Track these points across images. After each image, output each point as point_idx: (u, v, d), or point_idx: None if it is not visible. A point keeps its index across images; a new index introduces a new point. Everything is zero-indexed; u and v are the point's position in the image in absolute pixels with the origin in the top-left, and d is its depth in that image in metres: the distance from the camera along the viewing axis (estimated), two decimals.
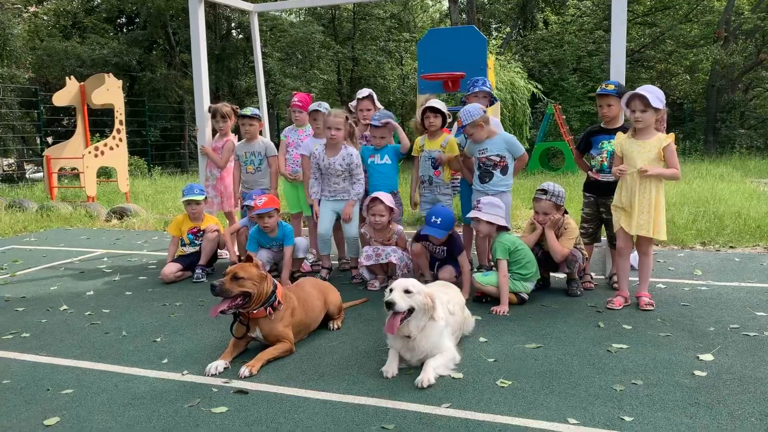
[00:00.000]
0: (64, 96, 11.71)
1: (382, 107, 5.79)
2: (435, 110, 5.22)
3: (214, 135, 6.54)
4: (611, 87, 4.75)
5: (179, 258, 5.73)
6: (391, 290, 3.30)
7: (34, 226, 9.17)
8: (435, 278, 4.86)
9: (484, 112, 4.93)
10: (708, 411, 2.78)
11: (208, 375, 3.34)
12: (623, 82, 5.02)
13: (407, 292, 3.27)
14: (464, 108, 4.96)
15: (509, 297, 4.44)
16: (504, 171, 5.04)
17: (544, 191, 4.67)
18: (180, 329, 4.17)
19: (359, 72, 27.00)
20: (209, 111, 6.41)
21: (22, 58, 20.93)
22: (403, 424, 2.74)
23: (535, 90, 16.23)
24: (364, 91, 5.78)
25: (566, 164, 18.18)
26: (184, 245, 5.83)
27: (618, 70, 5.08)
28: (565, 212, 4.77)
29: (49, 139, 17.50)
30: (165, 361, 3.59)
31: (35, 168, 21.42)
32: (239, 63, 27.92)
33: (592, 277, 5.04)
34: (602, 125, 4.93)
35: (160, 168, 17.98)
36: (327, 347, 3.76)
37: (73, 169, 12.43)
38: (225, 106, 6.31)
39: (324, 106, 5.61)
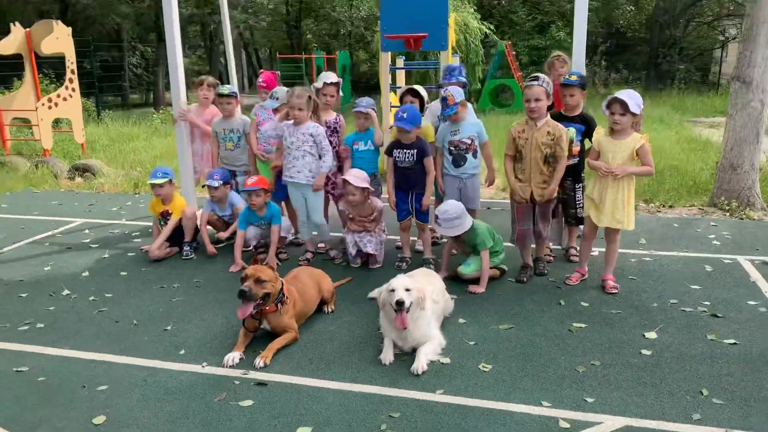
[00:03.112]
0: (10, 45, 11.30)
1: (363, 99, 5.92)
2: (415, 93, 5.55)
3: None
4: (574, 78, 5.15)
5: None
6: (392, 290, 3.76)
7: None
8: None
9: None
10: (653, 390, 3.41)
11: (226, 367, 3.78)
12: (584, 73, 5.43)
13: (407, 290, 3.76)
14: (451, 88, 5.23)
15: (493, 272, 5.04)
16: (474, 154, 5.47)
17: (536, 78, 4.87)
18: (186, 316, 4.55)
19: (308, 2, 26.32)
20: (198, 82, 6.52)
21: None
22: (407, 412, 3.27)
23: (487, 31, 16.43)
24: (332, 77, 5.86)
25: (516, 102, 18.69)
26: (161, 224, 6.09)
27: (579, 64, 5.49)
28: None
29: None
30: (182, 352, 3.99)
31: None
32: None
33: (551, 250, 5.63)
34: (562, 112, 5.37)
35: (110, 112, 17.53)
36: (326, 333, 4.23)
37: (25, 120, 12.13)
38: (211, 78, 6.52)
39: (281, 92, 5.80)
